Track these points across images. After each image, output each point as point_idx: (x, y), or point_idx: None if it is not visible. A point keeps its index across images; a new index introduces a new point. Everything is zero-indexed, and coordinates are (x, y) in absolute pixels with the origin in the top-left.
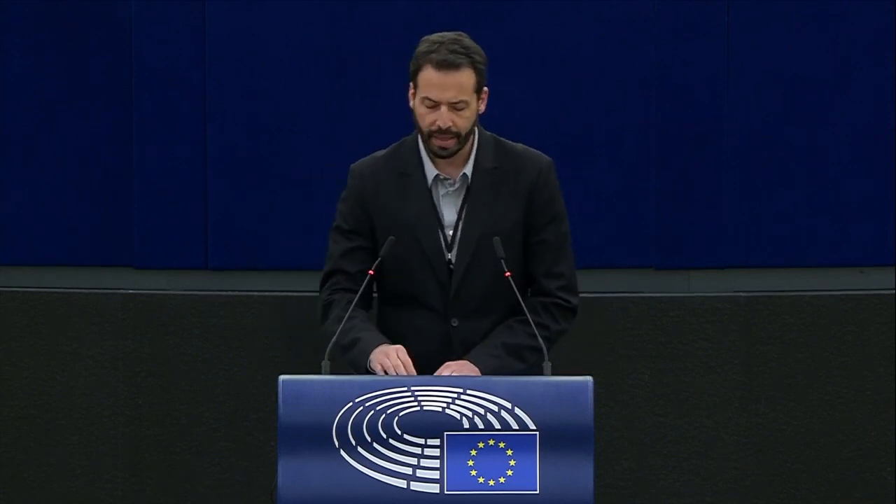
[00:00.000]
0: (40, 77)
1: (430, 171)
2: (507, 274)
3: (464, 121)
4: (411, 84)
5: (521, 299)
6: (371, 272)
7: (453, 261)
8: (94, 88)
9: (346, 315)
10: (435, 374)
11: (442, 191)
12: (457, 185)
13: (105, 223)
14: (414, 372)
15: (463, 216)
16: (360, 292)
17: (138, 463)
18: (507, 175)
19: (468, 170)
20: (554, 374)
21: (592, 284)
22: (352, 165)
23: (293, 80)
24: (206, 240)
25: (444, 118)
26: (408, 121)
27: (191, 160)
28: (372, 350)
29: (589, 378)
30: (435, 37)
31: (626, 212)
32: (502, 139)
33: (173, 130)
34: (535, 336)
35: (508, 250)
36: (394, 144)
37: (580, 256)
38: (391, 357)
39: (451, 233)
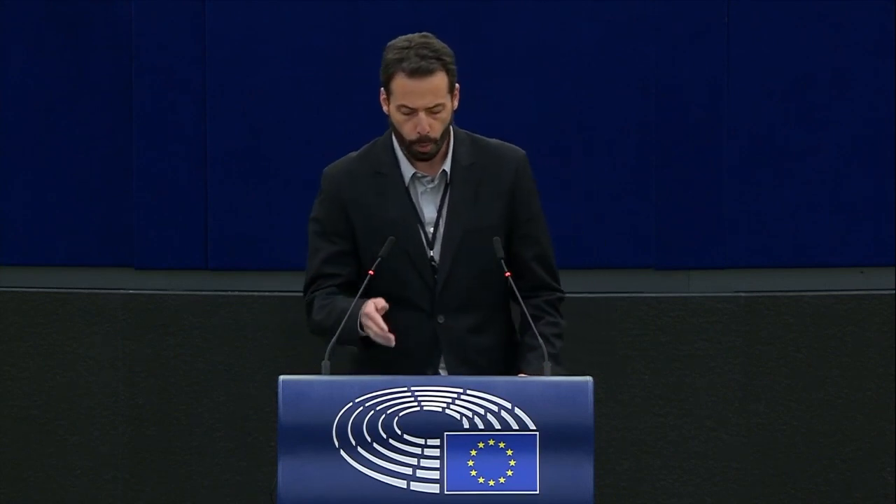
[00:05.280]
0: (40, 77)
1: (407, 169)
2: (508, 274)
3: (441, 123)
4: (383, 90)
5: (521, 299)
6: (371, 272)
7: (436, 258)
8: (94, 88)
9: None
10: None
11: (420, 188)
12: (435, 183)
13: (105, 223)
14: (384, 326)
15: (444, 213)
16: (359, 293)
17: (138, 463)
18: (486, 171)
19: (447, 167)
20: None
21: (592, 284)
22: (325, 169)
23: (293, 80)
24: (206, 240)
25: (423, 124)
26: None
27: (191, 160)
28: (356, 317)
29: (589, 378)
30: (401, 42)
31: (626, 212)
32: (476, 135)
33: (173, 130)
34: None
35: (491, 247)
36: (366, 145)
37: (580, 256)
38: (372, 326)
39: (431, 230)
